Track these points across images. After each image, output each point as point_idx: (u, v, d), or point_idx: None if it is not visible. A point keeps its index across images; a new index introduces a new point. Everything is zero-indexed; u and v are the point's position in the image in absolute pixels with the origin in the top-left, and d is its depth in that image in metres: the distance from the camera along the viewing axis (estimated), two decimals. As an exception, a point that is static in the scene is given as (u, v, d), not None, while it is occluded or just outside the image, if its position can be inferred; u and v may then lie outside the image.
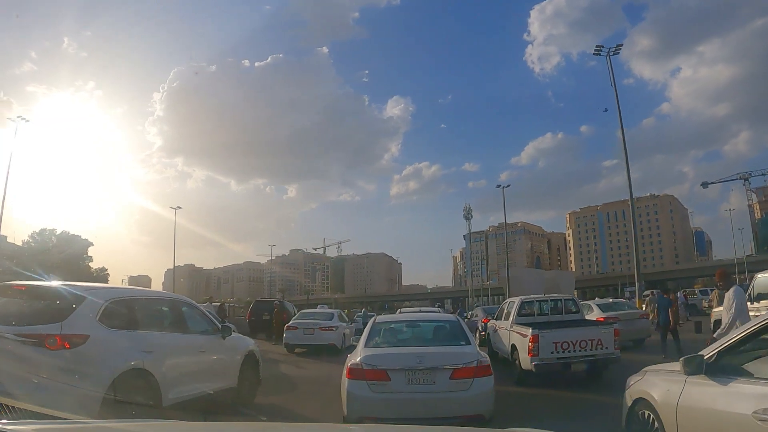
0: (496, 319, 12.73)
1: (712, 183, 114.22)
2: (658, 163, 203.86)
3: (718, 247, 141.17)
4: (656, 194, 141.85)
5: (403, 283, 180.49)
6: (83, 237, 62.66)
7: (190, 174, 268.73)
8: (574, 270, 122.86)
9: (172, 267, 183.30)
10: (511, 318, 11.10)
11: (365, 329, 6.90)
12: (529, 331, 9.31)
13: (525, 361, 9.34)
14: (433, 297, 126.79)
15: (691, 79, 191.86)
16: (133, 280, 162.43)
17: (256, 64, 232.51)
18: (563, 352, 9.12)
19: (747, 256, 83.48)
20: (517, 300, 11.74)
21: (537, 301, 12.27)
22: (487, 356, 6.05)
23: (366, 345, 6.31)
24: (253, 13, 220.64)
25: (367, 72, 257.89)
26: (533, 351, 9.08)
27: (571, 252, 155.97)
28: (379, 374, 5.51)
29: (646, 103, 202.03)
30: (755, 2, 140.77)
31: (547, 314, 11.66)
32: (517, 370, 9.88)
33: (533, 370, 9.12)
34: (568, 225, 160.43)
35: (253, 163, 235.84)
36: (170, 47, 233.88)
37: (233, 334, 7.82)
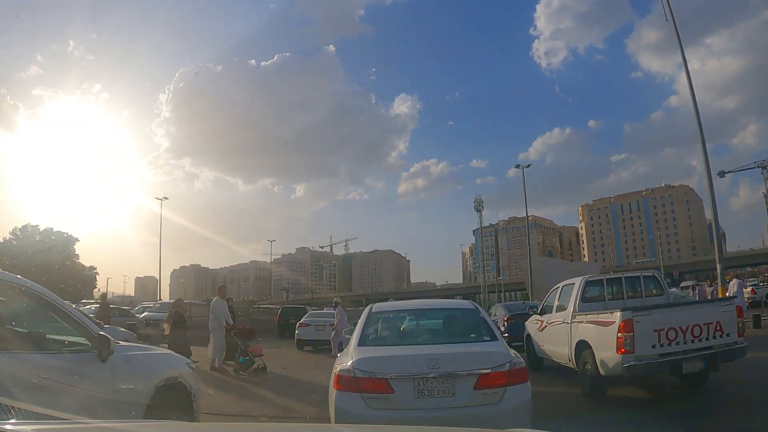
0: (542, 314, 9.79)
1: (729, 172, 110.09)
2: (667, 157, 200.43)
3: (731, 240, 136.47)
4: (672, 185, 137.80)
5: (412, 281, 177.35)
6: (70, 234, 59.47)
7: (198, 175, 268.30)
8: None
9: (177, 268, 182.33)
10: (571, 306, 8.25)
11: (359, 320, 5.36)
12: (616, 316, 6.50)
13: (610, 361, 6.54)
14: (443, 294, 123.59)
15: (699, 72, 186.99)
16: (139, 281, 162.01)
17: (263, 63, 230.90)
18: (669, 344, 6.31)
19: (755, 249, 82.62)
20: (578, 281, 8.72)
21: (607, 280, 9.24)
22: (520, 356, 4.62)
23: (360, 343, 4.83)
24: (258, 13, 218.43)
25: (374, 70, 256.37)
26: (625, 345, 6.26)
27: (584, 245, 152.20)
28: (379, 384, 4.18)
29: (654, 96, 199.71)
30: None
31: (622, 298, 8.80)
32: (586, 379, 7.17)
33: (624, 374, 6.36)
34: (580, 218, 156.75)
35: (261, 163, 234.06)
36: (176, 48, 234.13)
37: (130, 352, 4.46)
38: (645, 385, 7.52)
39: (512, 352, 4.66)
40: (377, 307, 5.86)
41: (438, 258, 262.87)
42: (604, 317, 6.96)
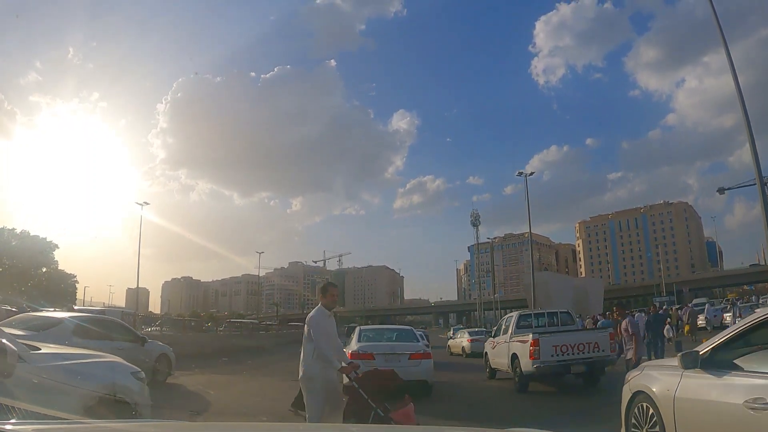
0: (494, 337, 13.47)
1: (729, 188, 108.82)
2: (663, 175, 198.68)
3: (727, 257, 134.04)
4: (670, 201, 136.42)
5: (406, 297, 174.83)
6: (48, 240, 57.08)
7: (194, 186, 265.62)
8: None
9: (169, 280, 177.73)
10: (510, 331, 12.13)
11: (355, 334, 11.48)
12: (529, 337, 10.33)
13: (526, 365, 10.24)
14: (437, 311, 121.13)
15: (697, 90, 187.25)
16: (131, 292, 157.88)
17: (262, 75, 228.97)
18: (563, 355, 10.07)
19: (751, 265, 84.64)
20: (514, 314, 13.22)
21: (534, 314, 13.69)
22: (429, 347, 11.75)
23: (358, 341, 10.66)
24: (258, 24, 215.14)
25: (374, 85, 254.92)
26: (534, 354, 9.97)
27: (582, 262, 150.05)
28: (369, 356, 9.59)
29: (651, 114, 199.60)
30: (761, 11, 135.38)
31: (544, 327, 12.73)
32: (516, 378, 10.86)
33: (534, 372, 10.12)
34: (577, 235, 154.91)
35: (258, 176, 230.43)
36: (176, 59, 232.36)
37: (53, 362, 4.12)
38: (554, 383, 11.11)
39: (426, 346, 11.70)
40: (364, 327, 12.80)
41: (432, 274, 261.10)
42: (524, 338, 10.66)
